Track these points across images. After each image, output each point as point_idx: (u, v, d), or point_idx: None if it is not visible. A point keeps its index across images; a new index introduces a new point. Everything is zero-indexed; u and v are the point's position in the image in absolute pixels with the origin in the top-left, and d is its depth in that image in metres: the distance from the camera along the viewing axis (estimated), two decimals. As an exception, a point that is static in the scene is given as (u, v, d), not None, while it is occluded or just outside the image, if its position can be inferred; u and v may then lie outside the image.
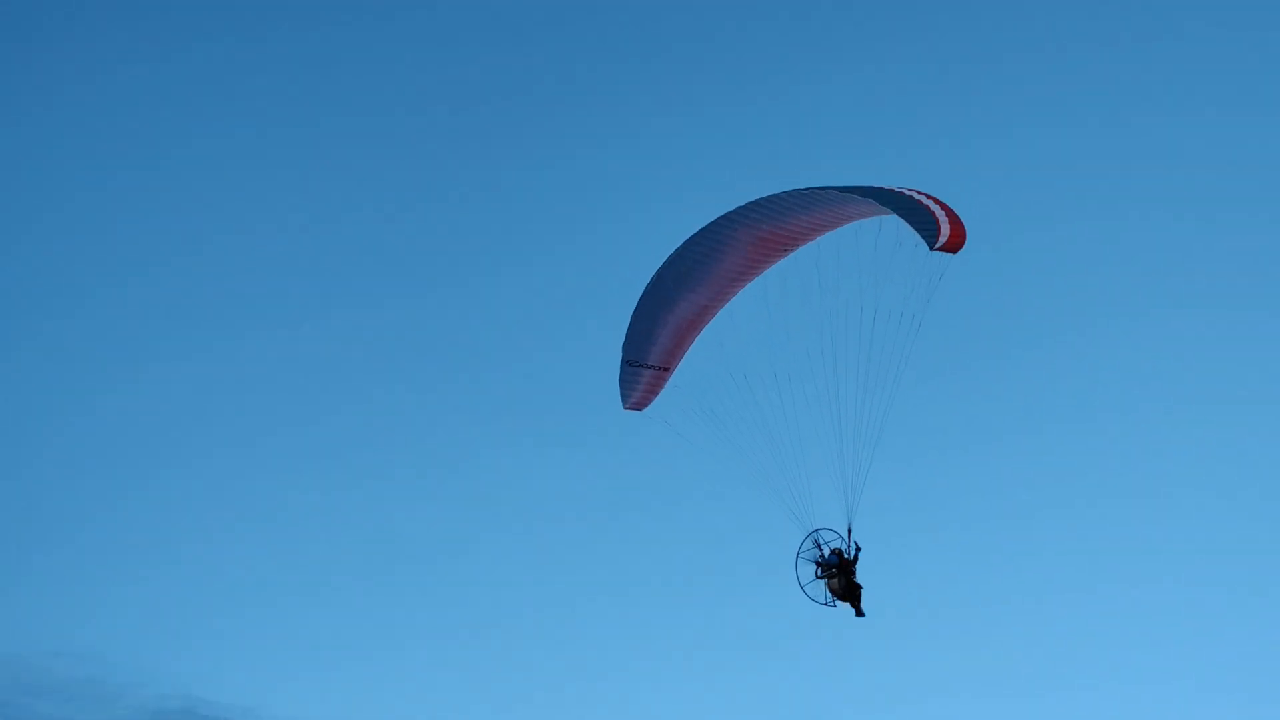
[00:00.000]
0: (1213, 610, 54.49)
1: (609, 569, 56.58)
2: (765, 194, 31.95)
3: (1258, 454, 58.87)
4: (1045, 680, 52.62)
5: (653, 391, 33.83)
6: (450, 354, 64.65)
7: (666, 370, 33.64)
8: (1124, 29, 68.54)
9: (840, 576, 33.06)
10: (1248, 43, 67.77)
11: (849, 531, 32.93)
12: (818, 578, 33.19)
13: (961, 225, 30.51)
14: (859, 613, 33.22)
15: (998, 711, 51.55)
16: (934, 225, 30.18)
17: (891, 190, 30.92)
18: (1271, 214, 64.71)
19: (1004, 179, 66.78)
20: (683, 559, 55.85)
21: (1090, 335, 62.99)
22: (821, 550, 33.21)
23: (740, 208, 32.22)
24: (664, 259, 33.18)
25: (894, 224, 30.70)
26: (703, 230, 32.64)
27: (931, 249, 30.17)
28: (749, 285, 32.92)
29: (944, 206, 30.69)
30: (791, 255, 32.38)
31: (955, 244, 30.37)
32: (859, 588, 33.13)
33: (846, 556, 33.04)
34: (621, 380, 33.83)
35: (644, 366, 33.56)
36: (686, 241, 32.84)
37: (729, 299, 33.15)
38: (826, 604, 33.27)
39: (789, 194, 31.66)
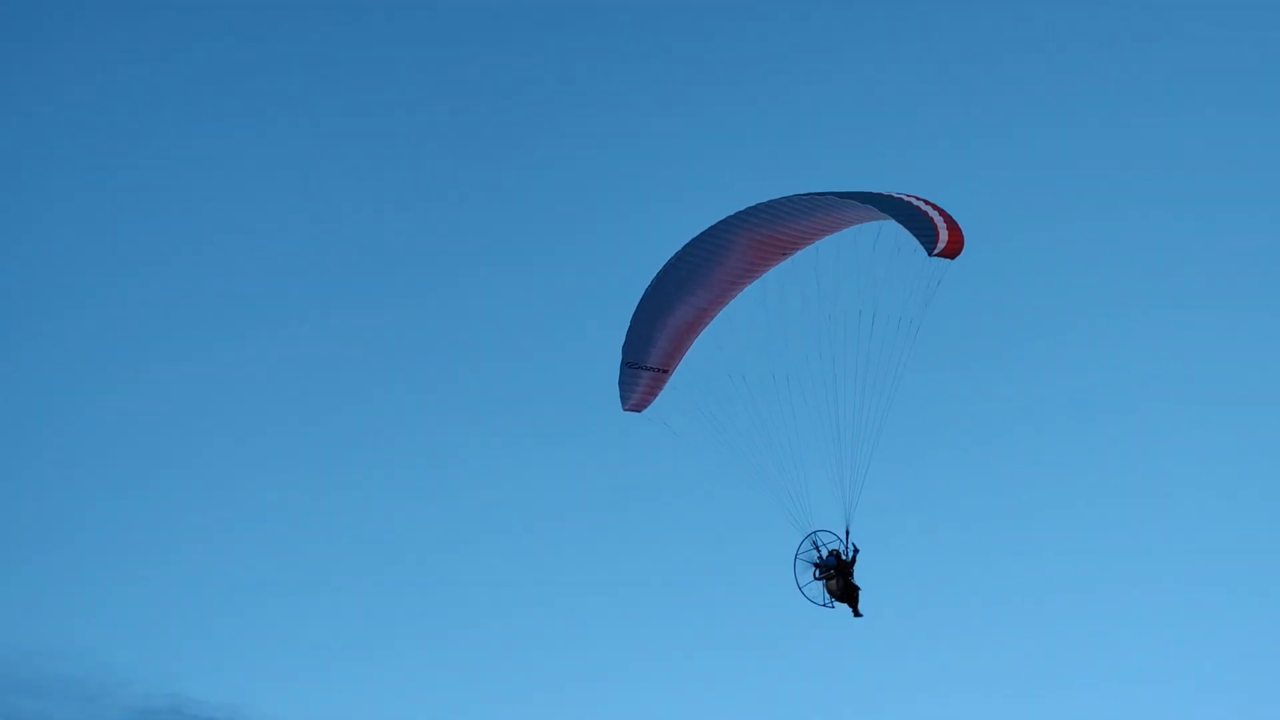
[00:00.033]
0: (1211, 609, 54.60)
1: (608, 570, 56.67)
2: (765, 198, 32.20)
3: (1255, 454, 58.99)
4: (1043, 680, 52.72)
5: (652, 393, 33.94)
6: (449, 354, 64.76)
7: (665, 372, 33.74)
8: (1120, 29, 68.68)
9: (838, 578, 33.17)
10: (1245, 42, 67.88)
11: (847, 533, 33.05)
12: (816, 579, 33.28)
13: (959, 231, 30.65)
14: (857, 613, 33.31)
15: (996, 711, 51.65)
16: (932, 231, 30.32)
17: (890, 196, 31.07)
18: (1266, 214, 64.83)
19: (1001, 181, 66.95)
20: (681, 560, 55.96)
21: (1087, 337, 63.12)
22: (820, 552, 33.30)
23: (740, 212, 32.36)
24: (664, 262, 33.34)
25: (893, 229, 30.86)
26: (703, 234, 32.78)
27: (930, 254, 30.32)
28: (748, 288, 33.05)
29: (942, 212, 30.85)
30: (790, 259, 32.48)
31: (953, 250, 30.51)
32: (857, 589, 33.24)
33: (844, 558, 33.14)
34: (621, 382, 33.95)
35: (643, 368, 33.65)
36: (686, 245, 32.97)
37: (728, 302, 33.26)
38: (825, 605, 33.37)
39: (788, 199, 31.82)
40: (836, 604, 33.35)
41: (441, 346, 65.11)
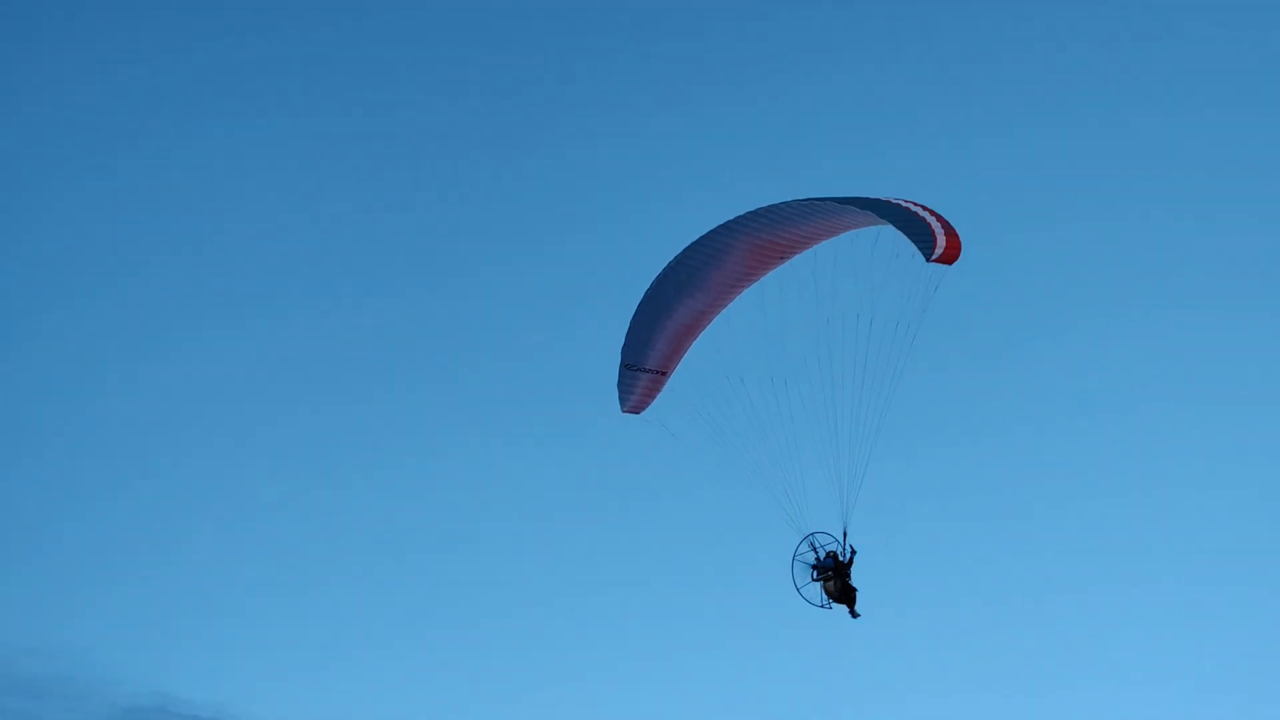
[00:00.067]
0: (1210, 609, 54.67)
1: (605, 570, 56.72)
2: (765, 201, 32.41)
3: (1253, 454, 59.06)
4: (1041, 680, 52.81)
5: (650, 395, 34.07)
6: (447, 353, 64.75)
7: (664, 374, 33.87)
8: (1116, 30, 68.70)
9: (836, 579, 33.29)
10: (1243, 42, 67.90)
11: (844, 535, 33.16)
12: (814, 580, 33.39)
13: (957, 237, 30.81)
14: (854, 614, 33.40)
15: (994, 711, 51.74)
16: (930, 237, 30.48)
17: (889, 202, 31.22)
18: (1263, 214, 64.89)
19: (998, 184, 66.93)
20: (679, 561, 55.99)
21: (1084, 339, 63.17)
22: (817, 553, 33.43)
23: (739, 216, 32.51)
24: (663, 265, 33.48)
25: (891, 234, 31.03)
26: (702, 238, 32.94)
27: (927, 260, 30.49)
28: (746, 291, 33.16)
29: (940, 219, 31.00)
30: (789, 262, 32.59)
31: (951, 256, 30.68)
32: (854, 590, 33.34)
33: (842, 559, 33.25)
34: (620, 383, 34.07)
35: (642, 370, 33.78)
36: (686, 249, 33.13)
37: (726, 304, 33.39)
38: (822, 606, 33.51)
39: (787, 204, 31.97)
40: (834, 605, 33.46)
41: (439, 346, 65.19)
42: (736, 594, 52.85)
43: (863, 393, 31.67)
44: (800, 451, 32.32)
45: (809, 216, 31.72)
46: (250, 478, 59.68)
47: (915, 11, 70.02)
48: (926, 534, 55.79)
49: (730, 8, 70.45)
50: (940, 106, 68.37)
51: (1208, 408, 60.77)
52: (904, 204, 31.16)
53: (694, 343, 33.76)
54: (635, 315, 33.71)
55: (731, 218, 32.62)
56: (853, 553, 33.23)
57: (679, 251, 33.22)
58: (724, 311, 33.44)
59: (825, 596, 33.42)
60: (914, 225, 30.56)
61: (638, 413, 34.15)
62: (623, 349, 33.92)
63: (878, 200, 31.22)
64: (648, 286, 33.61)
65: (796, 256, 32.51)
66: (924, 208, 31.12)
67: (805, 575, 33.38)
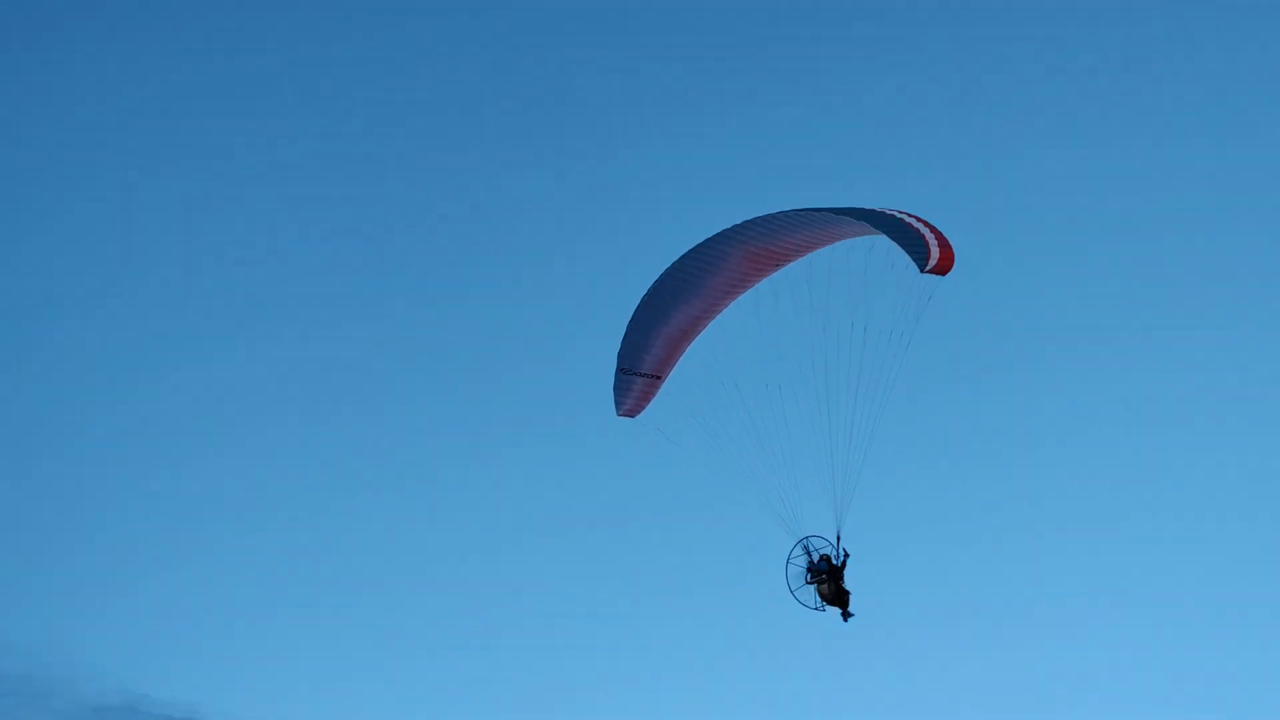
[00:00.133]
0: (1198, 625, 54.77)
1: (600, 573, 56.54)
2: (761, 211, 32.51)
3: (1244, 471, 59.21)
4: (1034, 682, 52.91)
5: (645, 399, 34.28)
6: (443, 359, 64.62)
7: (659, 378, 34.05)
8: (1112, 48, 68.74)
9: (829, 582, 33.56)
10: (1240, 62, 68.03)
11: (838, 539, 33.45)
12: (808, 583, 33.73)
13: (950, 248, 31.02)
14: (846, 616, 33.75)
15: (988, 710, 51.87)
16: (924, 248, 30.70)
17: (883, 212, 31.44)
18: (1257, 231, 65.09)
19: (992, 198, 66.88)
20: (674, 564, 55.89)
21: (1078, 350, 63.14)
22: (811, 556, 33.69)
23: (735, 225, 32.72)
24: (659, 272, 33.71)
25: (885, 244, 31.23)
26: (699, 245, 33.11)
27: (921, 271, 30.75)
28: (742, 297, 33.32)
29: (934, 230, 31.24)
30: (784, 270, 32.84)
31: (944, 267, 30.89)
32: (847, 593, 33.65)
33: (835, 563, 33.53)
34: (615, 387, 34.31)
35: (637, 374, 33.97)
36: (683, 255, 33.31)
37: (721, 310, 33.54)
38: (816, 608, 33.78)
39: (783, 213, 32.19)
40: (827, 607, 33.80)
41: (435, 353, 65.00)
42: (731, 596, 52.93)
43: (857, 400, 31.87)
44: (795, 456, 32.55)
45: (805, 226, 31.92)
46: (223, 480, 59.29)
47: (909, 26, 70.20)
48: (916, 540, 55.97)
49: (729, 19, 70.56)
50: (935, 120, 68.46)
51: (1197, 425, 60.96)
52: (898, 215, 31.40)
53: (689, 348, 34.03)
54: (632, 320, 33.92)
55: (728, 226, 32.93)
56: (846, 556, 33.54)
57: (676, 258, 33.55)
58: (720, 318, 33.57)
59: (819, 599, 33.71)
60: (908, 236, 30.76)
61: (633, 416, 34.34)
62: (619, 353, 34.12)
63: (872, 211, 31.45)
64: (644, 292, 33.96)
65: (791, 264, 32.71)
66: (918, 219, 31.34)
67: (800, 578, 33.73)
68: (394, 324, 65.37)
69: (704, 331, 33.85)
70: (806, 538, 33.59)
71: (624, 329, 34.15)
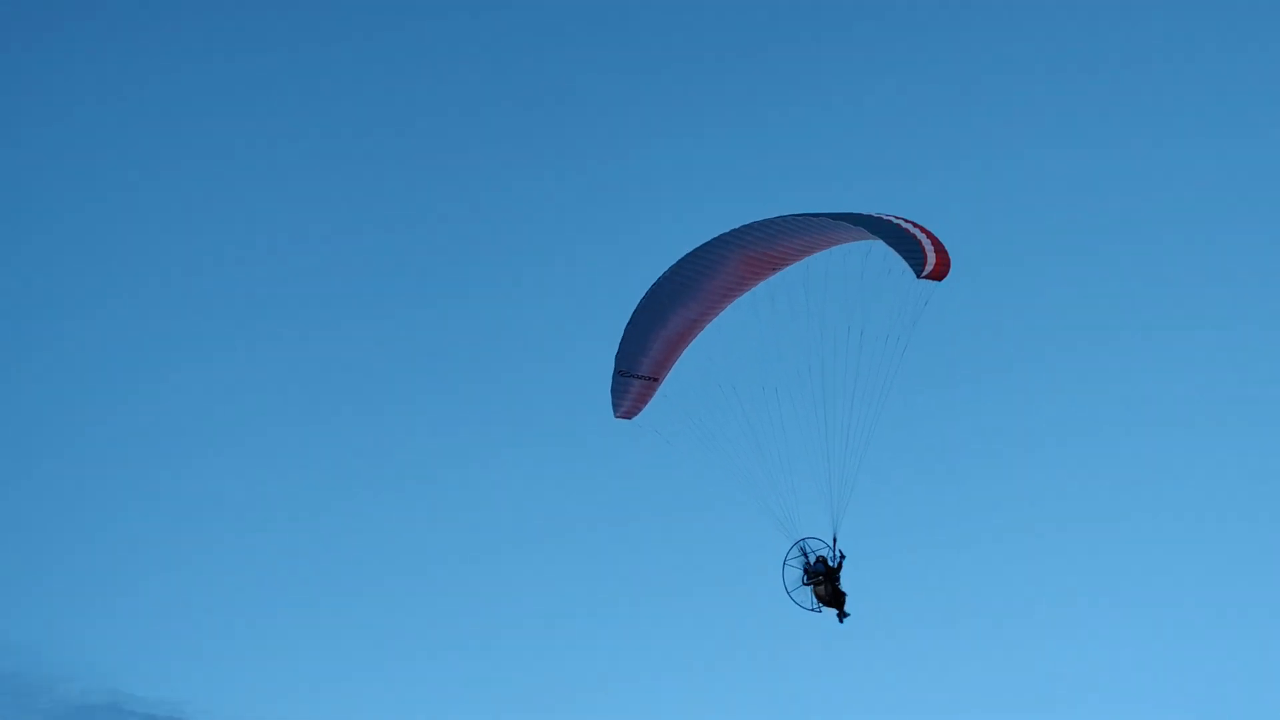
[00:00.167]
0: (1194, 628, 54.83)
1: (596, 574, 56.58)
2: (759, 216, 32.65)
3: (1241, 472, 59.22)
4: (1035, 680, 52.96)
5: (642, 401, 34.43)
6: (443, 361, 64.66)
7: (656, 380, 34.19)
8: (1108, 51, 68.77)
9: (825, 583, 33.70)
10: (1238, 63, 68.06)
11: (834, 540, 33.61)
12: (804, 584, 33.87)
13: (946, 254, 31.18)
14: (841, 617, 33.88)
15: (988, 711, 51.93)
16: (920, 254, 30.84)
17: (880, 218, 31.59)
18: (1253, 233, 65.10)
19: (987, 203, 66.94)
20: (671, 565, 55.95)
21: (1074, 354, 63.15)
22: (808, 558, 33.83)
23: (734, 229, 32.87)
24: (659, 274, 33.87)
25: (882, 250, 31.36)
26: (697, 249, 33.27)
27: (918, 277, 30.88)
28: (740, 301, 33.49)
29: (930, 236, 31.37)
30: (782, 274, 32.96)
31: (940, 273, 31.06)
32: (843, 594, 33.80)
33: (831, 564, 33.68)
34: (613, 389, 34.45)
35: (634, 377, 34.11)
36: (681, 259, 33.47)
37: (718, 313, 33.69)
38: (812, 609, 33.95)
39: (781, 218, 32.33)
40: (823, 608, 33.93)
41: (435, 353, 65.05)
42: (728, 597, 53.00)
43: (853, 403, 32.05)
44: (791, 459, 32.71)
45: (802, 231, 32.05)
46: (217, 480, 59.25)
47: (909, 26, 70.24)
48: (912, 542, 56.01)
49: (729, 19, 70.60)
50: (935, 120, 68.51)
51: (1201, 423, 60.94)
52: (895, 221, 31.54)
53: (686, 350, 34.14)
54: (630, 323, 34.07)
55: (727, 230, 33.08)
56: (842, 558, 33.68)
57: (674, 262, 33.68)
58: (717, 321, 33.72)
59: (815, 600, 33.88)
60: (905, 242, 30.88)
61: (630, 418, 34.52)
62: (616, 356, 34.30)
63: (869, 216, 31.58)
64: (642, 295, 34.10)
65: (789, 268, 32.86)
66: (915, 224, 31.50)
67: (796, 579, 33.87)
68: (394, 324, 65.51)
69: (701, 334, 33.97)
70: (803, 539, 33.74)
71: (621, 332, 34.27)
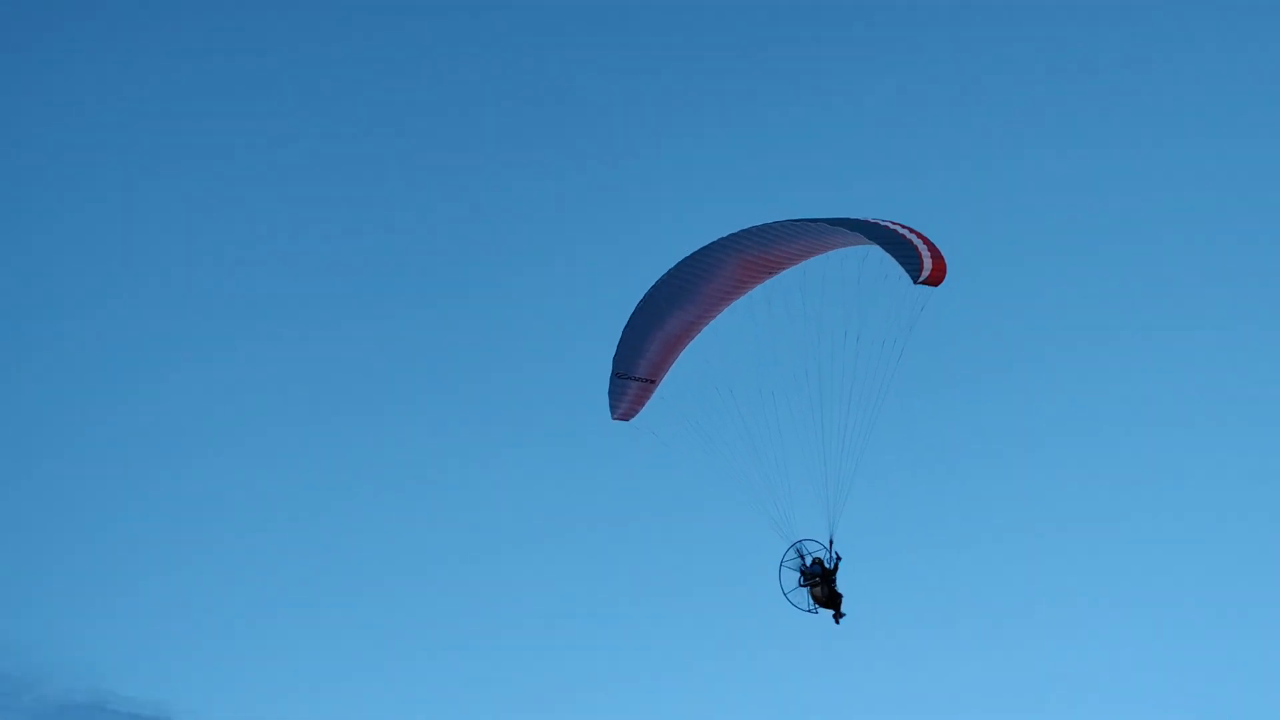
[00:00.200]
0: (1201, 620, 54.84)
1: (595, 575, 56.64)
2: (756, 220, 32.81)
3: (1240, 473, 59.24)
4: (1035, 680, 53.02)
5: (639, 403, 34.55)
6: (441, 362, 64.69)
7: (653, 383, 34.30)
8: (1104, 52, 68.77)
9: (822, 584, 33.81)
10: (1237, 64, 68.06)
11: (830, 542, 33.69)
12: (801, 586, 33.96)
13: (943, 261, 31.29)
14: (838, 618, 33.97)
15: (987, 711, 51.97)
16: (917, 260, 30.95)
17: (877, 224, 31.71)
18: (1250, 235, 65.13)
19: (985, 208, 67.00)
20: (669, 566, 56.01)
21: (1070, 359, 63.20)
22: (804, 559, 33.93)
23: (731, 234, 33.01)
24: (658, 274, 34.03)
25: (879, 255, 31.49)
26: (694, 253, 33.41)
27: (915, 282, 31.00)
28: (737, 305, 33.61)
29: (927, 242, 31.50)
30: (779, 277, 33.06)
31: (936, 279, 31.17)
32: (839, 595, 33.91)
33: (828, 566, 33.78)
34: (610, 391, 34.57)
35: (631, 379, 34.22)
36: (678, 263, 33.61)
37: (715, 315, 33.81)
38: (809, 610, 34.05)
39: (779, 223, 32.47)
40: (820, 609, 34.03)
41: (435, 353, 65.09)
42: (725, 598, 53.03)
43: (850, 406, 32.16)
44: (788, 461, 32.81)
45: (799, 235, 32.16)
46: (200, 479, 59.23)
47: (909, 26, 70.24)
48: (908, 544, 56.03)
49: (729, 19, 70.62)
50: (935, 120, 68.54)
51: (1200, 423, 60.93)
52: (892, 227, 31.65)
53: (683, 353, 34.24)
54: (627, 325, 34.21)
55: (725, 233, 33.18)
56: (838, 559, 33.78)
57: (671, 265, 33.79)
58: (714, 324, 33.85)
59: (812, 601, 33.98)
60: (901, 248, 30.99)
61: (627, 420, 34.64)
62: (614, 358, 34.42)
63: (866, 222, 31.70)
64: (640, 298, 34.20)
65: (785, 272, 32.97)
66: (911, 230, 31.60)
67: (793, 580, 33.96)
68: (394, 324, 65.50)
69: (698, 337, 34.06)
70: (800, 541, 33.83)
71: (619, 334, 34.35)
